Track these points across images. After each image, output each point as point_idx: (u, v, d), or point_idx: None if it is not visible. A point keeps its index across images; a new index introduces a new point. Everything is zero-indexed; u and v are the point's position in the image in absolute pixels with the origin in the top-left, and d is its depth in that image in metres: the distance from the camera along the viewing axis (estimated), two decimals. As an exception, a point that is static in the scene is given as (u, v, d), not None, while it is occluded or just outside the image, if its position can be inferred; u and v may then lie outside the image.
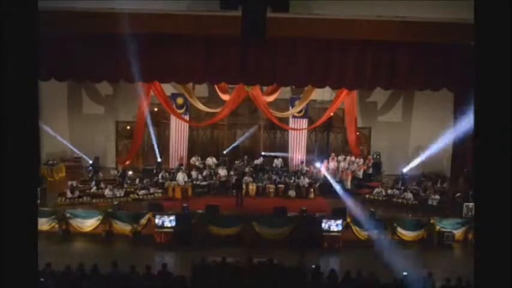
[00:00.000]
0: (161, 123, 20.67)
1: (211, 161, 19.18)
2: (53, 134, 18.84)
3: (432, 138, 19.92)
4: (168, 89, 19.44)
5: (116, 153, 20.80)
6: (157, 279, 10.10)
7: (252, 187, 17.54)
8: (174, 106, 19.33)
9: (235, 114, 20.45)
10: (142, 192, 16.77)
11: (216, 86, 18.75)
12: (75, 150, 19.70)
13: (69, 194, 15.98)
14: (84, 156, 19.55)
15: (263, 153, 19.99)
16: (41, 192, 15.14)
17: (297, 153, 20.04)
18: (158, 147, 19.51)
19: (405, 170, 18.73)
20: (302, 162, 19.54)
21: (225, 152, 20.01)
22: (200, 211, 14.83)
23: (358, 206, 15.63)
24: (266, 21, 13.25)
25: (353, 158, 19.32)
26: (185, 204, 15.03)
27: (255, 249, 13.15)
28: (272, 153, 20.00)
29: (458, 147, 18.97)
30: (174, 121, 19.83)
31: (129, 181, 17.60)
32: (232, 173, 18.11)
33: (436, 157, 19.79)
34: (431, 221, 14.85)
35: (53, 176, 19.10)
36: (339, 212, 14.75)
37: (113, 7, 14.44)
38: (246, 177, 17.50)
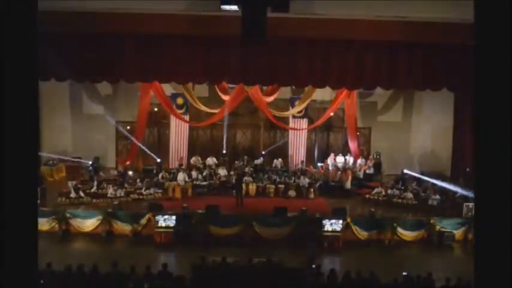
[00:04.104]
0: (161, 123, 20.68)
1: (211, 161, 19.18)
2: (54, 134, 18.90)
3: (432, 138, 19.99)
4: (168, 89, 19.45)
5: (115, 153, 20.79)
6: (157, 279, 10.09)
7: (252, 187, 17.53)
8: (174, 106, 19.33)
9: (235, 114, 20.45)
10: (142, 192, 16.77)
11: (216, 86, 18.76)
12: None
13: (73, 194, 15.98)
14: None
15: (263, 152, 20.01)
16: (41, 192, 15.13)
17: (297, 153, 20.05)
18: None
19: (405, 170, 18.76)
20: (302, 162, 19.55)
21: (224, 152, 20.03)
22: (200, 211, 14.84)
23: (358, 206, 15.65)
24: (266, 21, 13.25)
25: (353, 158, 19.34)
26: (185, 204, 15.03)
27: (255, 249, 13.15)
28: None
29: (458, 147, 18.97)
30: (174, 121, 19.83)
31: (130, 181, 17.61)
32: (232, 173, 18.12)
33: (436, 157, 19.83)
34: (431, 221, 14.85)
35: (53, 176, 19.10)
36: (339, 212, 14.74)
37: (112, 7, 14.45)
38: (246, 177, 17.50)
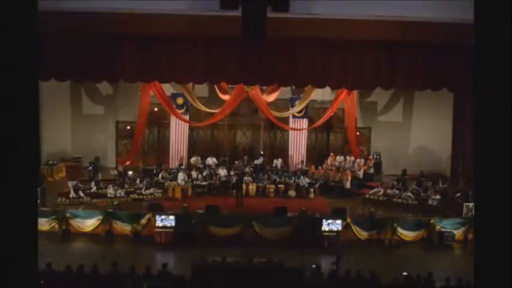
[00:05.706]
0: (161, 123, 20.68)
1: (211, 161, 19.17)
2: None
3: (432, 138, 19.95)
4: (168, 89, 19.44)
5: (115, 153, 20.79)
6: (157, 279, 10.10)
7: (252, 187, 17.52)
8: (174, 106, 19.33)
9: (235, 114, 20.44)
10: (142, 192, 16.76)
11: (216, 86, 18.75)
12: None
13: (73, 194, 15.98)
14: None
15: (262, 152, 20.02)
16: (41, 192, 15.13)
17: (297, 153, 20.05)
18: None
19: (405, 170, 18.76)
20: (302, 162, 19.54)
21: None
22: (200, 211, 14.83)
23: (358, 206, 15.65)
24: (266, 21, 13.24)
25: (353, 158, 19.33)
26: (185, 204, 15.03)
27: (255, 249, 13.14)
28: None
29: (458, 147, 18.95)
30: (174, 121, 19.82)
31: (130, 181, 17.60)
32: (232, 173, 18.10)
33: (436, 157, 19.81)
34: (431, 221, 14.85)
35: (53, 176, 19.07)
36: (339, 212, 14.74)
37: (112, 7, 14.44)
38: (246, 177, 17.50)
